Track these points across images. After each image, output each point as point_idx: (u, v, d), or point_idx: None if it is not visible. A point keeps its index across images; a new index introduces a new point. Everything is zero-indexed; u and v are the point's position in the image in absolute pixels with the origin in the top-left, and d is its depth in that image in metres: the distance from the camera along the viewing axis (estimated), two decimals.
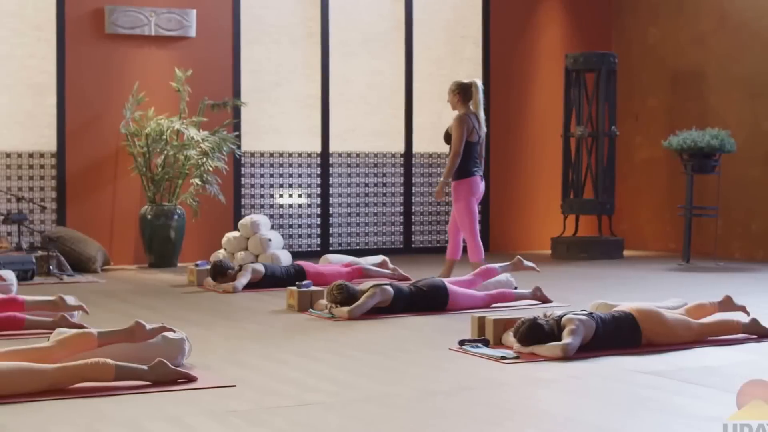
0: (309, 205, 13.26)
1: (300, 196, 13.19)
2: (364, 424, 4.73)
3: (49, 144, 12.04)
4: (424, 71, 13.84)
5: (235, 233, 11.62)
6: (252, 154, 12.94)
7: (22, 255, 10.54)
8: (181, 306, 8.76)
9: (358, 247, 13.37)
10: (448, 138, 9.87)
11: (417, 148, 13.81)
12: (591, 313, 6.46)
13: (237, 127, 12.68)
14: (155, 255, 12.02)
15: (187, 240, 12.25)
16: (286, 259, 11.43)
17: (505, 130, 14.26)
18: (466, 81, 9.84)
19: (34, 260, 10.51)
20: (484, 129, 9.89)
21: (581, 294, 9.34)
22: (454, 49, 14.04)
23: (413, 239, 13.84)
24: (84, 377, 5.27)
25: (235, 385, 5.45)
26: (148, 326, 5.71)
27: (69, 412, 4.89)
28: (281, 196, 13.07)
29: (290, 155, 13.15)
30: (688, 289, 9.71)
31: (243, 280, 9.69)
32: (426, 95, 13.85)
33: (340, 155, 13.40)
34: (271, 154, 13.07)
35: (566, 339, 6.20)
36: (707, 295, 9.11)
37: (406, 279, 10.08)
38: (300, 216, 13.23)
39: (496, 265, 8.85)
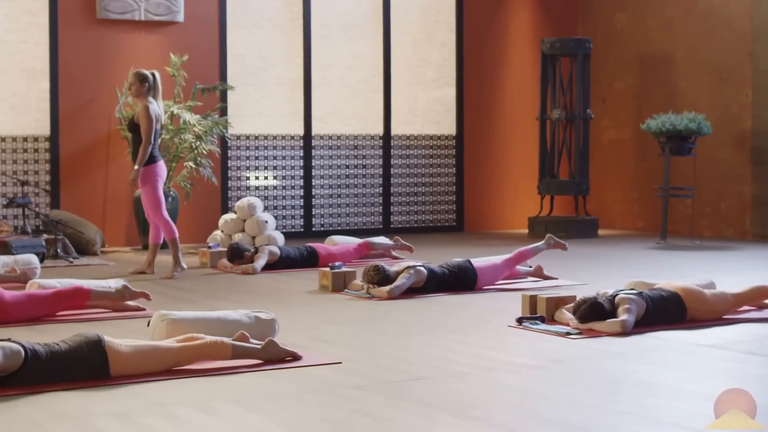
0: (292, 187, 13.54)
1: (284, 178, 13.45)
2: (494, 393, 5.10)
3: (43, 128, 12.15)
4: (402, 55, 14.18)
5: (232, 215, 11.85)
6: (238, 137, 13.18)
7: (33, 239, 10.67)
8: (213, 288, 8.99)
9: (339, 228, 13.69)
10: (132, 127, 9.70)
11: (395, 130, 14.16)
12: (640, 293, 6.92)
13: (224, 111, 12.91)
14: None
15: (179, 222, 12.43)
16: (280, 240, 11.71)
17: (478, 113, 14.67)
18: (146, 71, 9.79)
19: (44, 243, 10.65)
20: (163, 115, 10.08)
21: (590, 273, 9.79)
22: (429, 34, 14.39)
23: (392, 219, 14.19)
24: (205, 356, 5.57)
25: (341, 362, 5.77)
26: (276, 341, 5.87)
27: (215, 388, 5.19)
28: (264, 178, 13.33)
29: (274, 138, 13.42)
30: (679, 266, 10.24)
31: (261, 261, 9.98)
32: (403, 79, 14.19)
33: (322, 138, 13.69)
34: (256, 137, 13.32)
35: (623, 316, 6.66)
36: (698, 270, 9.69)
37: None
38: (284, 198, 13.50)
39: (529, 247, 9.23)
